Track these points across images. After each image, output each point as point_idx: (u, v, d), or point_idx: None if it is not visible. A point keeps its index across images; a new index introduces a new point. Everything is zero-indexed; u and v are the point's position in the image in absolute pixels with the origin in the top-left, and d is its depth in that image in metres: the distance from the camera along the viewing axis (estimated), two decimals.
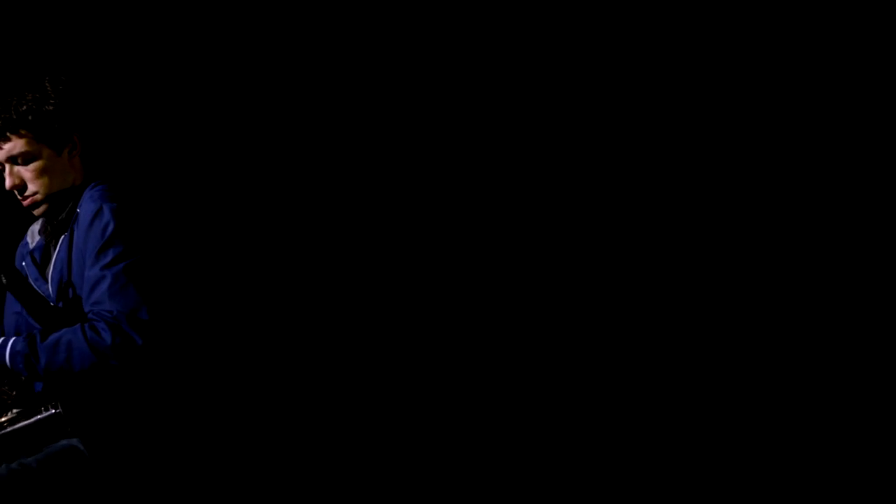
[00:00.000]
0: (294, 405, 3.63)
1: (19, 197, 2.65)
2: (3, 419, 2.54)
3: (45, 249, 2.72)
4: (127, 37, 3.79)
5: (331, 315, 3.77)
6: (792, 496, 3.64)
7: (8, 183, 2.63)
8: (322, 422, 3.67)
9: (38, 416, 2.49)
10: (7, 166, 2.63)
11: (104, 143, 2.69)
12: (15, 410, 2.56)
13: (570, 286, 3.83)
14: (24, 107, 2.57)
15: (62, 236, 2.65)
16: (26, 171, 2.61)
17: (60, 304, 2.61)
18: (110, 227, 2.50)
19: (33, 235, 2.80)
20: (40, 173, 2.61)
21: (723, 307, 3.76)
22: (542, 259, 3.85)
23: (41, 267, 2.71)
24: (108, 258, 2.48)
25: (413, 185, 3.86)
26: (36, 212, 2.66)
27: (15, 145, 2.60)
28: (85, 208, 2.57)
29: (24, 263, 2.77)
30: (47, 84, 2.61)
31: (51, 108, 2.59)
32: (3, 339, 2.51)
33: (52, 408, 2.47)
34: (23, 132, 2.59)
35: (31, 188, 2.62)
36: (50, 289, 2.65)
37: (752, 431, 3.71)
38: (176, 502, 2.56)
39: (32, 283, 2.69)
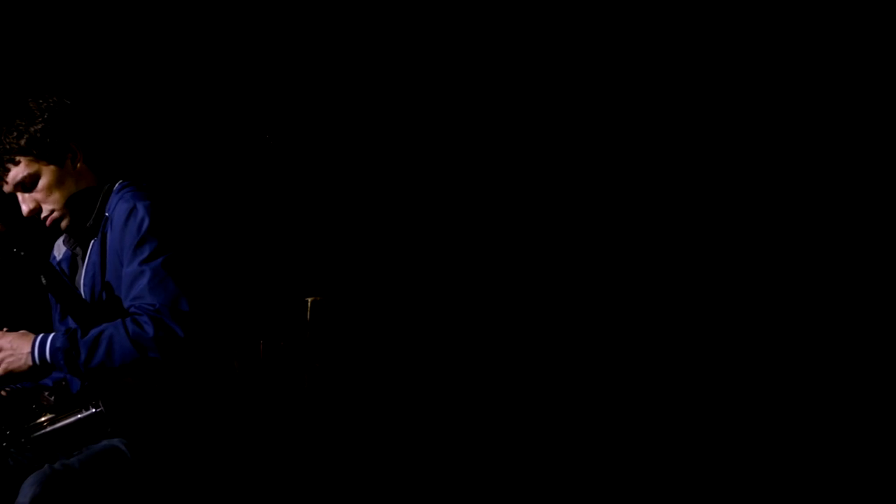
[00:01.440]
0: (316, 402, 3.67)
1: (40, 219, 2.68)
2: (44, 419, 2.57)
3: (72, 259, 2.77)
4: (124, 36, 3.80)
5: (342, 311, 3.80)
6: (784, 495, 3.72)
7: (25, 210, 2.67)
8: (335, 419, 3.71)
9: (80, 416, 2.52)
10: (19, 195, 2.67)
11: (109, 143, 2.73)
12: (54, 409, 2.59)
13: (562, 284, 3.88)
14: (15, 133, 2.62)
15: (92, 241, 2.68)
16: (37, 193, 2.66)
17: (95, 305, 2.64)
18: (146, 224, 2.54)
19: (59, 248, 2.84)
20: (50, 190, 2.65)
21: (715, 306, 3.82)
22: (534, 259, 3.90)
23: (70, 276, 2.75)
24: (146, 253, 2.52)
25: (414, 186, 3.90)
26: (62, 226, 2.70)
27: (17, 172, 2.64)
28: (117, 210, 2.62)
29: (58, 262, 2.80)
30: (31, 105, 2.65)
31: (40, 126, 2.62)
32: (42, 335, 2.54)
33: (94, 407, 2.50)
34: (19, 158, 2.63)
35: (47, 208, 2.67)
36: (83, 294, 2.69)
37: (746, 430, 3.78)
38: (214, 500, 2.60)
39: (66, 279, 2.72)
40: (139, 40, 3.82)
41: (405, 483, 3.77)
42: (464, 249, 3.91)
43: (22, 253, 2.54)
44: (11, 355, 2.53)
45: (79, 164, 2.66)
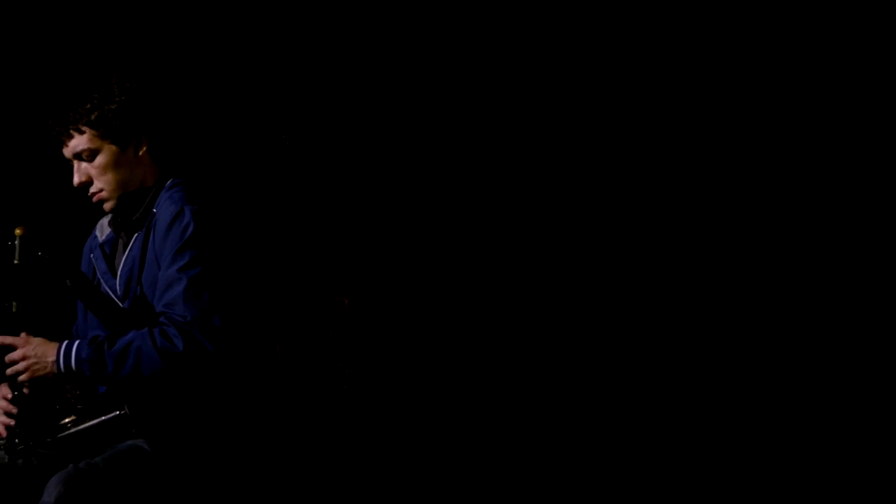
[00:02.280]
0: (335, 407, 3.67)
1: (87, 194, 2.68)
2: (68, 420, 2.57)
3: (114, 243, 2.76)
4: (205, 40, 3.84)
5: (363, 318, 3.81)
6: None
7: (76, 179, 2.67)
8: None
9: (105, 417, 2.52)
10: (75, 163, 2.67)
11: (179, 144, 2.75)
12: (78, 409, 2.59)
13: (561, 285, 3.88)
14: (88, 105, 2.62)
15: (136, 234, 2.68)
16: (92, 168, 2.65)
17: (126, 303, 2.65)
18: (190, 230, 2.54)
19: (102, 228, 2.83)
20: (105, 169, 2.64)
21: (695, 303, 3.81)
22: (532, 256, 3.90)
23: (110, 260, 2.74)
24: (186, 260, 2.52)
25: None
26: (105, 207, 2.69)
27: (79, 142, 2.64)
28: (163, 209, 2.61)
29: (92, 256, 2.81)
30: (114, 83, 2.66)
31: (114, 106, 2.63)
32: (67, 343, 2.53)
33: (119, 409, 2.50)
34: (84, 129, 2.63)
35: (97, 184, 2.66)
36: (118, 284, 2.68)
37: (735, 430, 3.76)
38: (237, 500, 2.59)
39: (100, 276, 2.73)
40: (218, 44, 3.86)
41: (406, 479, 3.76)
42: (480, 250, 3.91)
43: (45, 256, 2.54)
44: (37, 363, 2.53)
45: (140, 153, 2.67)
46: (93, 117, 2.62)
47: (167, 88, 2.78)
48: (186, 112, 2.86)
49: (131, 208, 2.69)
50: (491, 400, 3.86)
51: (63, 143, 2.66)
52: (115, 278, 2.69)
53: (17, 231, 2.54)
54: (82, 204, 2.72)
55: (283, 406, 2.82)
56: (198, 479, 2.54)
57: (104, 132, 2.63)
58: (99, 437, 2.55)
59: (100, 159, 2.64)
